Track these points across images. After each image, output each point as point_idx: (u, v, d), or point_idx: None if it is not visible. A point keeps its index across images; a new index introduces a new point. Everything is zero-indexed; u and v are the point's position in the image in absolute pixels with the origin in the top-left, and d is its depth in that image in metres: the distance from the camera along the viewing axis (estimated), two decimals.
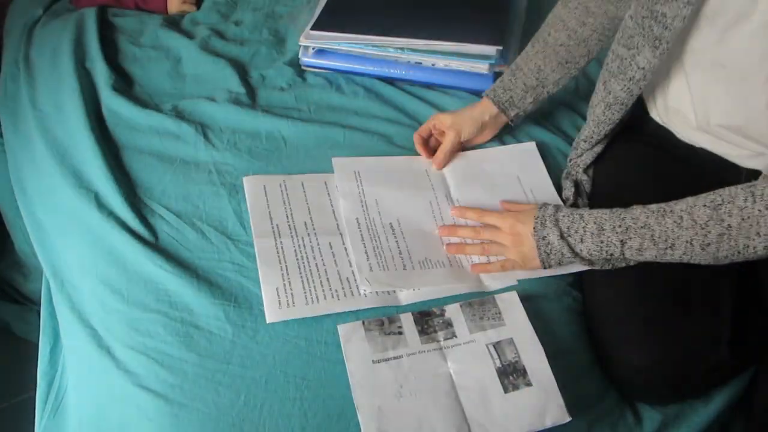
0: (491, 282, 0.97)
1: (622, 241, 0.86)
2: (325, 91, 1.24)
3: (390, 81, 1.28)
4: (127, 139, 1.13)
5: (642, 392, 0.94)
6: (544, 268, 0.93)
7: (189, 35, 1.35)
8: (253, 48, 1.33)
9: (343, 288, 0.92)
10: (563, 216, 0.91)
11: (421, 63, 1.25)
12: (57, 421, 0.96)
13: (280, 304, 0.89)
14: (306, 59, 1.29)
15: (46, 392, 0.99)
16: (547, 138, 1.20)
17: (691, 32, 0.89)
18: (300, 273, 0.93)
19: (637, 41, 0.93)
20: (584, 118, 1.13)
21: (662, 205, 0.85)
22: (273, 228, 0.98)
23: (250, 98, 1.21)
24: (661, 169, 1.05)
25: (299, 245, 0.97)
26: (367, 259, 0.96)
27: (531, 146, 1.17)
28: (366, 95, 1.23)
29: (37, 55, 1.29)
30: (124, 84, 1.23)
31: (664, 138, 1.04)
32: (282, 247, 0.96)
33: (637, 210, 0.87)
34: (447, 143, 1.11)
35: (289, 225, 0.99)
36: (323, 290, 0.91)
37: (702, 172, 0.98)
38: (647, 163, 1.06)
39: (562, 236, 0.90)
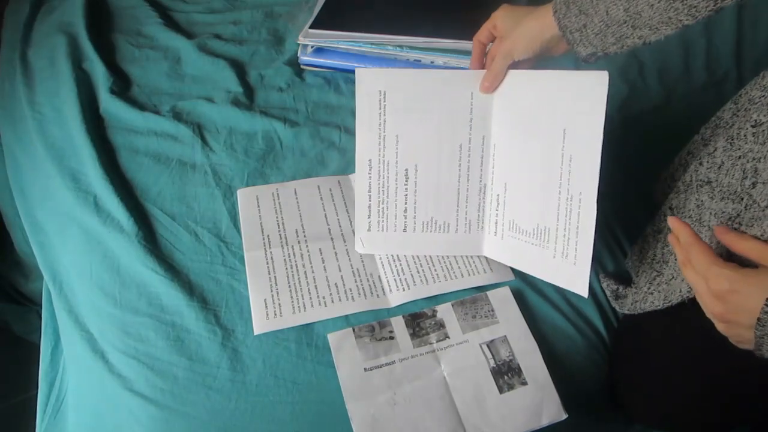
0: (490, 275, 0.95)
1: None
2: (324, 91, 1.23)
3: None
4: (125, 141, 1.12)
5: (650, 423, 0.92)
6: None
7: (187, 35, 1.34)
8: (252, 48, 1.33)
9: (330, 294, 0.91)
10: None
11: (420, 60, 1.24)
12: (58, 422, 0.96)
13: (267, 315, 0.89)
14: (304, 58, 1.28)
15: (47, 393, 0.99)
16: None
17: None
18: (288, 282, 0.92)
19: None
20: None
21: None
22: (264, 239, 0.98)
23: (249, 98, 1.21)
24: None
25: (289, 254, 0.96)
26: (368, 217, 0.94)
27: (602, 77, 0.80)
28: None
29: (34, 55, 1.29)
30: (122, 85, 1.22)
31: None
32: (272, 258, 0.95)
33: None
34: (497, 64, 0.87)
35: (280, 234, 0.99)
36: (311, 298, 0.91)
37: None
38: None
39: None
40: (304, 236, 0.99)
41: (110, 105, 1.18)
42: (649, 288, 0.87)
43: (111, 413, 0.86)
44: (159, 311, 0.89)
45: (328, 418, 0.82)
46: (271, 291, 0.91)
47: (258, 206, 1.02)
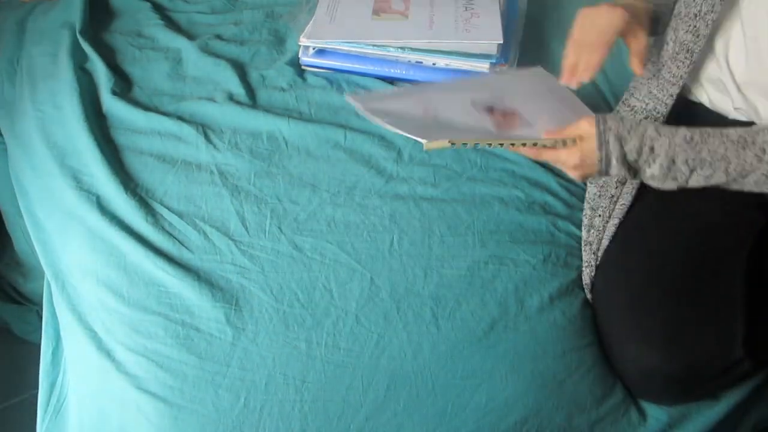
0: None
1: (692, 170, 0.84)
2: (326, 92, 1.23)
3: (390, 81, 1.28)
4: (128, 141, 1.12)
5: (651, 392, 0.94)
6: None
7: (188, 35, 1.34)
8: (252, 48, 1.33)
9: None
10: (630, 150, 0.85)
11: (421, 62, 1.25)
12: (59, 422, 0.96)
13: None
14: (306, 59, 1.28)
15: (48, 393, 0.99)
16: None
17: None
18: None
19: None
20: None
21: (742, 134, 0.83)
22: None
23: (251, 99, 1.21)
24: None
25: None
26: None
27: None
28: None
29: (34, 54, 1.28)
30: (124, 86, 1.22)
31: (688, 120, 0.95)
32: None
33: (715, 141, 0.83)
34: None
35: None
36: None
37: None
38: None
39: (628, 170, 0.86)
40: None
41: (112, 105, 1.17)
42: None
43: (117, 411, 0.86)
44: (168, 309, 0.89)
45: (336, 417, 0.83)
46: None
47: None
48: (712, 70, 0.97)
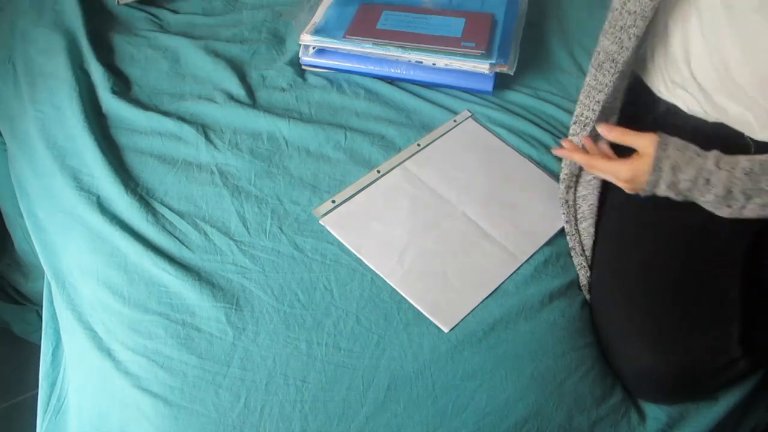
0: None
1: (748, 197, 0.84)
2: (326, 92, 1.23)
3: (390, 81, 1.28)
4: (128, 141, 1.12)
5: (648, 391, 0.94)
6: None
7: (187, 35, 1.34)
8: (252, 48, 1.32)
9: None
10: (684, 180, 0.86)
11: (421, 62, 1.24)
12: (59, 422, 0.96)
13: None
14: (306, 59, 1.28)
15: (48, 394, 0.99)
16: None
17: None
18: None
19: None
20: None
21: None
22: None
23: (251, 98, 1.21)
24: None
25: None
26: None
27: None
28: (367, 96, 1.23)
29: (33, 53, 1.28)
30: (123, 86, 1.22)
31: (671, 120, 1.01)
32: None
33: None
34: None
35: None
36: None
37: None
38: None
39: (677, 195, 0.89)
40: None
41: (112, 105, 1.17)
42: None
43: (117, 411, 0.86)
44: (169, 309, 0.89)
45: (337, 417, 0.82)
46: None
47: None
48: (676, 75, 0.98)
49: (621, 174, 0.91)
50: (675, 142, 0.87)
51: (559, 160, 1.11)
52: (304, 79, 1.27)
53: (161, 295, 0.90)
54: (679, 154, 0.86)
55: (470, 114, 1.19)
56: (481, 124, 1.18)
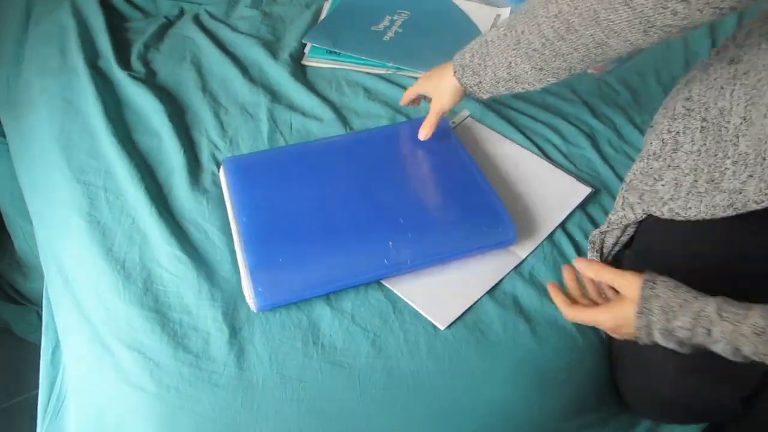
0: None
1: (762, 357, 0.69)
2: (326, 91, 1.24)
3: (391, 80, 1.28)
4: (137, 135, 1.13)
5: (664, 418, 0.93)
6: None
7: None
8: (252, 47, 1.32)
9: None
10: (680, 327, 0.71)
11: None
12: (59, 422, 0.96)
13: None
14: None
15: (48, 393, 0.99)
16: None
17: None
18: None
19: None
20: None
21: None
22: None
23: (252, 97, 1.21)
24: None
25: None
26: None
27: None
28: (367, 95, 1.23)
29: (44, 51, 1.27)
30: (139, 78, 1.22)
31: None
32: None
33: None
34: (432, 119, 1.05)
35: None
36: None
37: None
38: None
39: (680, 346, 0.74)
40: None
41: (133, 96, 1.18)
42: None
43: (114, 409, 0.86)
44: (167, 308, 0.89)
45: (333, 416, 0.82)
46: None
47: None
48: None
49: (601, 322, 0.79)
50: (665, 281, 0.73)
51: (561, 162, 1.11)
52: (304, 79, 1.26)
53: (158, 294, 0.91)
54: (670, 294, 0.72)
55: (469, 113, 1.19)
56: (480, 123, 1.17)
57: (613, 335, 0.81)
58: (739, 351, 0.69)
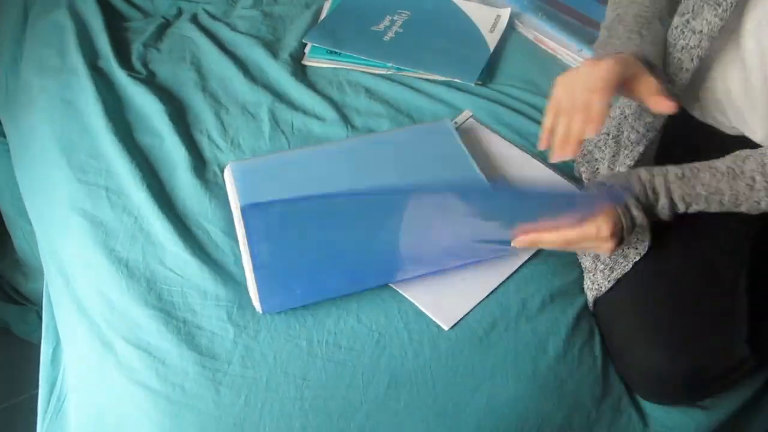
0: None
1: (688, 204, 0.85)
2: (327, 90, 1.24)
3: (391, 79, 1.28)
4: (138, 134, 1.12)
5: (657, 393, 0.94)
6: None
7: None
8: (252, 47, 1.32)
9: None
10: (639, 193, 0.85)
11: None
12: (59, 422, 0.96)
13: None
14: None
15: (48, 393, 0.99)
16: None
17: None
18: None
19: (693, 3, 0.87)
20: None
21: (730, 164, 0.83)
22: None
23: (253, 97, 1.21)
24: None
25: None
26: None
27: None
28: (368, 94, 1.23)
29: (43, 51, 1.27)
30: (138, 77, 1.22)
31: (706, 138, 0.99)
32: None
33: (705, 175, 0.83)
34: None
35: None
36: None
37: None
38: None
39: (647, 214, 0.86)
40: None
41: (128, 96, 1.18)
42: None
43: (115, 408, 0.85)
44: (171, 307, 0.89)
45: (337, 415, 0.82)
46: None
47: None
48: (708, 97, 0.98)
49: (602, 230, 0.82)
50: (607, 177, 0.88)
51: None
52: (305, 78, 1.26)
53: (162, 292, 0.90)
54: (616, 178, 0.86)
55: (471, 114, 1.19)
56: (482, 124, 1.18)
57: (611, 246, 0.83)
58: (672, 200, 0.84)
